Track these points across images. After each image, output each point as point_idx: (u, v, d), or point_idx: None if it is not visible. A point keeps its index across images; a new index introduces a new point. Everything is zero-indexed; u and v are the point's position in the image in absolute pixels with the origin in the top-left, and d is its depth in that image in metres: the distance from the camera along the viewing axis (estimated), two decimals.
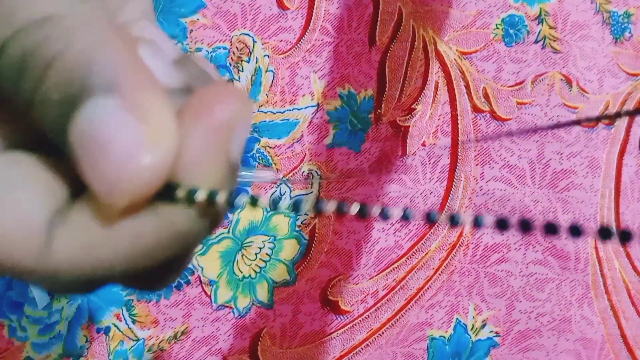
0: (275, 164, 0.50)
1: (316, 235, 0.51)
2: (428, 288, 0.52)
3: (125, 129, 0.11)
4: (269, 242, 0.50)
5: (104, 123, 0.11)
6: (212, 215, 0.13)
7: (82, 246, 0.12)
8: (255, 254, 0.50)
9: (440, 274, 0.52)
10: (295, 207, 0.14)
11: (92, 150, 0.11)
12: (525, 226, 0.16)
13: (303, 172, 0.51)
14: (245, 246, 0.50)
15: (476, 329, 0.53)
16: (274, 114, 0.50)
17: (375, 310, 0.52)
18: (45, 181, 0.12)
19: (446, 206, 0.52)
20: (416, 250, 0.52)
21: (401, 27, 0.52)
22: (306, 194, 0.51)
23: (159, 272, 0.13)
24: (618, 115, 0.52)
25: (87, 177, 0.11)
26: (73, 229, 0.12)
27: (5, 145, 0.13)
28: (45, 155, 0.13)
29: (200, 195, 0.12)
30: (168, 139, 0.12)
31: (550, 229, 0.15)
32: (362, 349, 0.51)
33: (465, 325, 0.52)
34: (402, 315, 0.52)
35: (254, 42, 0.50)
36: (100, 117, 0.11)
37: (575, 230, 0.17)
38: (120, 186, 0.11)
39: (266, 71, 0.50)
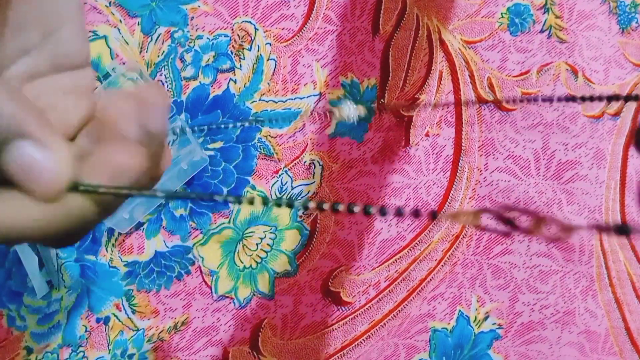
0: (276, 153, 0.50)
1: (318, 226, 0.50)
2: (430, 280, 0.52)
3: (36, 158, 0.19)
4: (270, 233, 0.50)
5: (22, 156, 0.19)
6: (101, 203, 0.20)
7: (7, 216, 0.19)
8: (257, 244, 0.50)
9: (443, 266, 0.52)
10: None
11: (20, 171, 0.19)
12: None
13: (305, 162, 0.50)
14: (246, 236, 0.49)
15: (479, 321, 0.52)
16: (276, 102, 0.50)
17: (377, 301, 0.51)
18: None
19: (449, 197, 0.52)
20: (419, 241, 0.51)
21: (405, 16, 0.51)
22: (308, 184, 0.50)
23: (64, 237, 0.21)
24: (616, 98, 0.52)
25: (19, 184, 0.19)
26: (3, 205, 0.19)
27: None
28: None
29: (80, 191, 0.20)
30: (63, 160, 0.19)
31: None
32: (363, 340, 0.51)
33: (468, 317, 0.52)
34: (404, 307, 0.51)
35: (256, 29, 0.50)
36: (19, 152, 0.19)
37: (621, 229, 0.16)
38: (39, 191, 0.19)
39: (268, 59, 0.50)
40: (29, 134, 0.19)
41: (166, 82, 0.49)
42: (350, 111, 0.25)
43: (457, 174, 0.52)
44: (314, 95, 0.50)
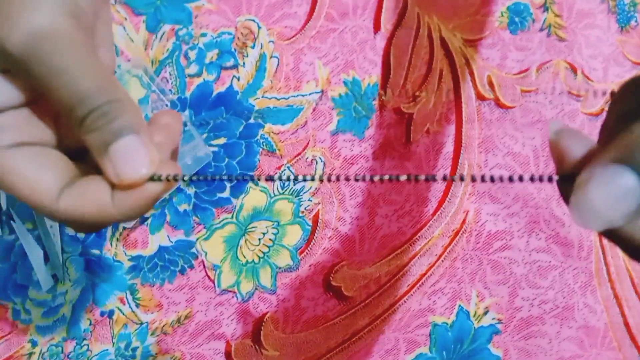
0: (279, 149, 0.50)
1: (319, 221, 0.51)
2: (431, 274, 0.52)
3: (140, 150, 0.22)
4: (273, 228, 0.50)
5: (130, 147, 0.22)
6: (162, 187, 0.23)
7: (83, 202, 0.23)
8: (259, 239, 0.50)
9: (443, 261, 0.52)
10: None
11: (118, 160, 0.22)
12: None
13: (307, 159, 0.51)
14: (249, 231, 0.50)
15: (479, 315, 0.53)
16: (279, 100, 0.50)
17: (378, 296, 0.52)
18: (62, 165, 0.24)
19: (449, 193, 0.52)
20: (419, 236, 0.52)
21: (406, 14, 0.52)
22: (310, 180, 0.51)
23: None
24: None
25: (109, 172, 0.22)
26: (75, 193, 0.23)
27: (52, 145, 0.25)
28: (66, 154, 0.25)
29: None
30: (155, 158, 0.23)
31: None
32: (364, 334, 0.52)
33: (468, 312, 0.52)
34: (405, 302, 0.52)
35: (259, 27, 0.50)
36: (127, 143, 0.22)
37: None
38: (133, 180, 0.22)
39: (271, 57, 0.50)
40: (136, 127, 0.22)
41: (170, 79, 0.49)
42: None
43: (457, 170, 0.52)
44: (316, 92, 0.51)
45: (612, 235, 0.20)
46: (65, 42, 0.21)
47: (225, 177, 0.24)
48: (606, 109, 0.54)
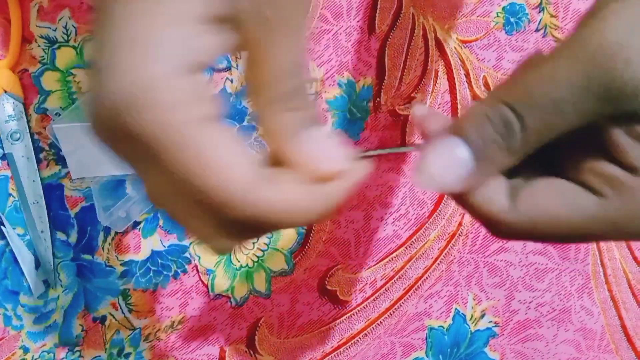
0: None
1: (314, 224, 0.50)
2: (427, 278, 0.52)
3: (336, 142, 0.21)
4: None
5: (329, 136, 0.21)
6: None
7: (278, 197, 0.19)
8: (253, 243, 0.50)
9: (439, 264, 0.52)
10: None
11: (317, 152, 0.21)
12: None
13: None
14: None
15: (475, 319, 0.52)
16: None
17: (374, 300, 0.51)
18: (250, 153, 0.19)
19: (445, 195, 0.52)
20: (415, 239, 0.52)
21: (401, 15, 0.51)
22: None
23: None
24: None
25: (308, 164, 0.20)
26: (272, 185, 0.19)
27: None
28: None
29: None
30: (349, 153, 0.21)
31: None
32: (360, 338, 0.51)
33: (464, 316, 0.52)
34: (401, 305, 0.52)
35: None
36: (326, 132, 0.21)
37: None
38: (329, 171, 0.20)
39: None
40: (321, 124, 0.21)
41: None
42: None
43: None
44: (310, 94, 0.50)
45: (460, 200, 0.22)
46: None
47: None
48: None
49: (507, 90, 0.21)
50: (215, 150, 0.18)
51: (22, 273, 0.47)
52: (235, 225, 0.19)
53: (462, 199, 0.22)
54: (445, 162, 0.21)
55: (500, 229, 0.22)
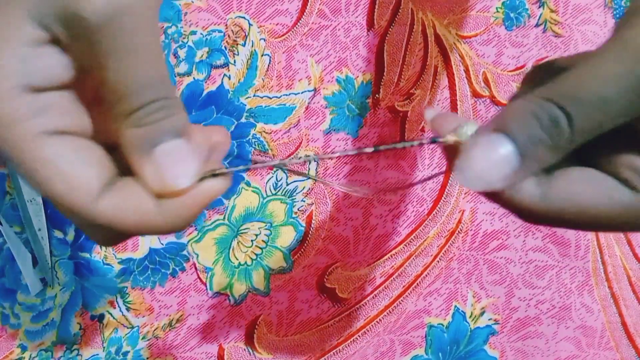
0: (271, 149, 0.50)
1: (313, 222, 0.50)
2: (426, 275, 0.52)
3: (188, 156, 0.21)
4: (265, 229, 0.50)
5: (178, 151, 0.21)
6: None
7: (126, 207, 0.20)
8: (252, 240, 0.49)
9: (438, 261, 0.52)
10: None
11: (165, 162, 0.20)
12: None
13: (300, 158, 0.50)
14: (241, 233, 0.49)
15: (475, 316, 0.52)
16: (270, 98, 0.49)
17: (373, 297, 0.51)
18: (103, 162, 0.21)
19: (445, 192, 0.51)
20: (414, 237, 0.51)
21: (400, 10, 0.51)
22: (303, 180, 0.50)
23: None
24: None
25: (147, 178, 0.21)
26: (117, 195, 0.20)
27: (92, 138, 0.21)
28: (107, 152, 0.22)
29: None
30: (200, 168, 0.21)
31: None
32: (359, 336, 0.51)
33: (464, 313, 0.52)
34: (400, 303, 0.51)
35: (250, 25, 0.49)
36: (176, 147, 0.21)
37: None
38: (177, 188, 0.21)
39: (262, 55, 0.49)
40: (186, 132, 0.21)
41: None
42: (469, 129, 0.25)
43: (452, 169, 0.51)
44: (308, 90, 0.50)
45: (495, 197, 0.22)
46: (144, 22, 0.19)
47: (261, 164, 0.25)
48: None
49: (554, 88, 0.21)
50: (57, 162, 0.19)
51: (20, 271, 0.47)
52: (95, 227, 0.21)
53: (498, 195, 0.22)
54: (491, 160, 0.21)
55: (531, 216, 0.22)
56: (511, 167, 0.21)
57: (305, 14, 0.50)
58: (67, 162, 0.19)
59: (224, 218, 0.49)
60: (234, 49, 0.49)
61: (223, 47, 0.49)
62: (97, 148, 0.21)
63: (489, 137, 0.21)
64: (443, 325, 0.52)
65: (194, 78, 0.49)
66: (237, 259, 0.49)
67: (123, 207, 0.20)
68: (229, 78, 0.49)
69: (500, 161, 0.21)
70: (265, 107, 0.49)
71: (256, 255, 0.50)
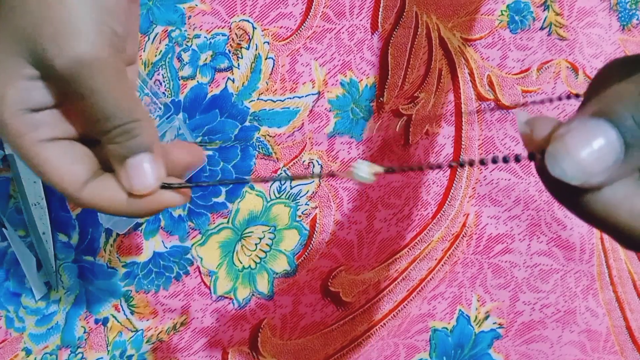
0: (275, 152, 0.49)
1: (317, 225, 0.50)
2: (430, 279, 0.51)
3: (150, 167, 0.27)
4: (269, 233, 0.49)
5: (142, 163, 0.27)
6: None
7: (103, 197, 0.27)
8: (255, 244, 0.49)
9: (443, 265, 0.51)
10: None
11: (135, 169, 0.27)
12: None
13: (304, 162, 0.50)
14: (245, 236, 0.49)
15: (479, 320, 0.52)
16: (274, 102, 0.49)
17: (377, 301, 0.51)
18: (87, 159, 0.28)
19: (449, 196, 0.51)
20: (419, 240, 0.51)
21: (404, 13, 0.51)
22: (307, 184, 0.50)
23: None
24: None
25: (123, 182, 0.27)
26: (97, 187, 0.27)
27: (74, 138, 0.28)
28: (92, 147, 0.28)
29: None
30: (162, 169, 0.28)
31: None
32: (363, 340, 0.51)
33: (468, 317, 0.52)
34: (404, 307, 0.51)
35: (254, 28, 0.49)
36: (140, 160, 0.27)
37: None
38: (142, 192, 0.27)
39: (266, 58, 0.49)
40: (150, 147, 0.27)
41: (164, 81, 0.48)
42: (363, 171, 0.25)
43: (457, 172, 0.51)
44: (312, 94, 0.50)
45: (570, 200, 0.20)
46: (102, 70, 0.25)
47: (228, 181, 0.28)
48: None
49: None
50: (52, 161, 0.27)
51: (24, 275, 0.47)
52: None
53: (582, 202, 0.19)
54: (592, 147, 0.18)
55: (613, 230, 0.20)
56: (614, 157, 0.18)
57: (309, 17, 0.50)
58: (59, 161, 0.27)
59: (228, 222, 0.49)
60: (238, 52, 0.49)
61: (227, 51, 0.49)
62: (82, 148, 0.28)
63: (590, 123, 0.18)
64: (447, 329, 0.52)
65: (197, 81, 0.49)
66: (241, 263, 0.49)
67: (101, 196, 0.27)
68: (233, 81, 0.49)
69: (602, 149, 0.18)
70: (269, 110, 0.49)
71: (260, 258, 0.50)
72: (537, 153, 0.20)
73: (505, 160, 0.21)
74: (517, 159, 0.21)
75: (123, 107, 0.26)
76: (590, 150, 0.18)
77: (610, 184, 0.19)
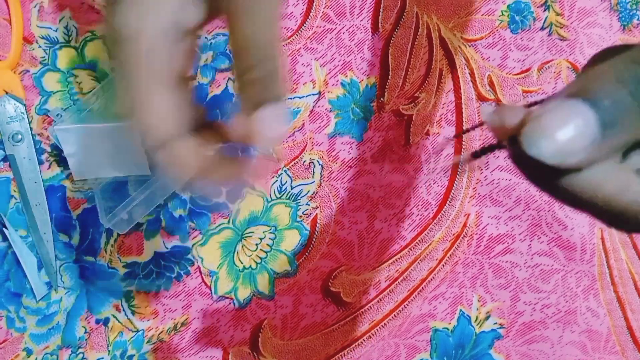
0: (275, 153, 0.49)
1: (318, 225, 0.50)
2: (431, 279, 0.51)
3: (283, 121, 0.27)
4: (270, 233, 0.49)
5: (280, 114, 0.27)
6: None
7: (176, 154, 0.27)
8: (256, 244, 0.49)
9: (443, 265, 0.51)
10: None
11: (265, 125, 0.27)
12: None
13: (304, 162, 0.50)
14: (246, 237, 0.49)
15: (480, 320, 0.52)
16: None
17: (378, 301, 0.51)
18: (182, 119, 0.27)
19: (450, 196, 0.51)
20: (419, 241, 0.51)
21: (405, 14, 0.51)
22: (307, 184, 0.50)
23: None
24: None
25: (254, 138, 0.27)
26: (178, 146, 0.27)
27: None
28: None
29: None
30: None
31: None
32: (364, 340, 0.51)
33: (469, 317, 0.52)
34: (405, 307, 0.51)
35: None
36: (279, 109, 0.27)
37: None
38: (274, 140, 0.28)
39: None
40: (284, 97, 0.27)
41: None
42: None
43: (458, 172, 0.51)
44: (313, 94, 0.50)
45: (546, 181, 0.20)
46: None
47: None
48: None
49: None
50: (157, 106, 0.26)
51: (25, 275, 0.47)
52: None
53: (561, 184, 0.19)
54: (570, 126, 0.18)
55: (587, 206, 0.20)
56: (591, 137, 0.18)
57: (309, 17, 0.50)
58: (164, 111, 0.26)
59: (229, 222, 0.49)
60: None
61: (228, 51, 0.49)
62: (185, 111, 0.27)
63: (566, 102, 0.18)
64: (448, 329, 0.52)
65: (198, 82, 0.49)
66: (241, 263, 0.49)
67: (175, 148, 0.27)
68: (234, 82, 0.49)
69: (579, 127, 0.18)
70: None
71: (261, 259, 0.50)
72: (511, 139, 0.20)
73: (492, 148, 0.22)
74: (497, 147, 0.21)
75: (270, 41, 0.26)
76: (567, 129, 0.18)
77: (590, 166, 0.19)
